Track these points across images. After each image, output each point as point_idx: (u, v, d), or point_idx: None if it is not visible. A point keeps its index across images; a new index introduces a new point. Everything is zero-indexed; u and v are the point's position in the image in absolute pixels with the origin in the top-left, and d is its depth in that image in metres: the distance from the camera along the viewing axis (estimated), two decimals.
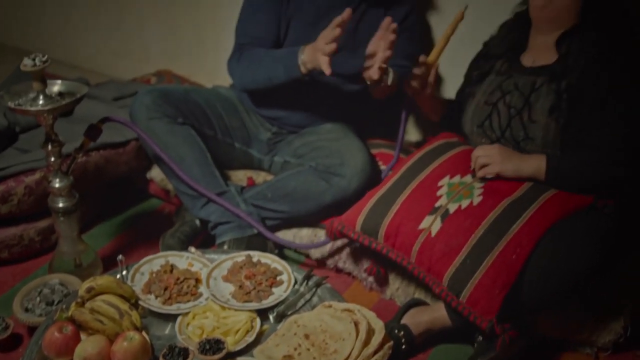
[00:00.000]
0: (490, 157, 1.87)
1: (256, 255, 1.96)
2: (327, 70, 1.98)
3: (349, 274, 2.16)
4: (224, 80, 2.60)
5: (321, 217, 2.20)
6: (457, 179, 1.93)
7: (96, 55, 3.51)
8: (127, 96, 2.65)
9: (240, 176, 2.40)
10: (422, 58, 2.05)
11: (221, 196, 2.19)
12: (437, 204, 1.88)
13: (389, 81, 2.11)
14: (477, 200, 1.85)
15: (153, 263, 1.93)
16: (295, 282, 1.88)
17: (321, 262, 2.20)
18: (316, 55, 2.01)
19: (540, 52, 1.95)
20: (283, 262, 1.94)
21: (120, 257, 1.87)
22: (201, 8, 3.03)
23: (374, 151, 2.35)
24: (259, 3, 2.27)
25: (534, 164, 1.85)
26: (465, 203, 1.85)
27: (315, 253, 2.20)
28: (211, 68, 3.04)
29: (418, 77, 2.07)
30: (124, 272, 1.88)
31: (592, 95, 1.81)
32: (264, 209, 2.22)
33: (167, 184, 2.42)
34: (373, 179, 2.17)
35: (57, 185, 1.95)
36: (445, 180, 1.94)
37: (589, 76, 1.81)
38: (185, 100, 2.27)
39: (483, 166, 1.89)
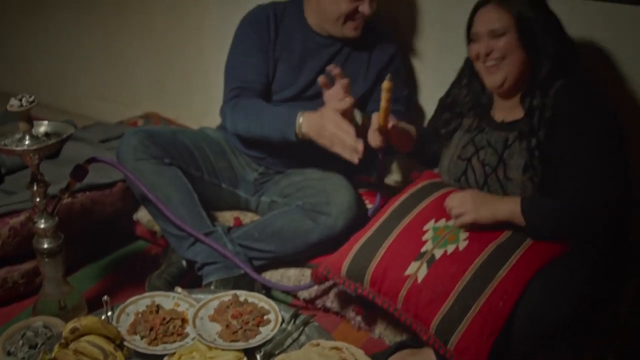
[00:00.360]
0: (463, 206, 1.84)
1: (243, 294, 1.95)
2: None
3: (337, 313, 2.15)
4: (211, 122, 2.62)
5: (308, 257, 2.19)
6: (442, 222, 1.91)
7: (84, 100, 3.54)
8: (113, 138, 2.66)
9: (227, 217, 2.40)
10: (373, 117, 2.03)
11: (208, 236, 2.18)
12: (423, 249, 1.86)
13: (359, 121, 2.13)
14: (462, 245, 1.83)
15: (139, 303, 1.90)
16: (283, 321, 1.86)
17: (309, 302, 2.18)
18: (327, 134, 2.02)
19: (507, 110, 1.95)
20: (270, 301, 1.92)
21: (105, 297, 1.85)
22: (187, 52, 3.08)
23: (361, 190, 2.35)
24: (249, 47, 2.31)
25: (509, 207, 1.81)
26: (451, 248, 1.84)
27: (303, 293, 2.18)
28: (198, 110, 3.07)
29: (376, 137, 2.05)
30: (109, 313, 1.85)
31: (562, 148, 1.80)
32: (251, 249, 2.21)
33: (154, 226, 2.41)
34: (359, 217, 2.17)
35: (42, 226, 1.94)
36: (431, 224, 1.92)
37: (557, 130, 1.81)
38: (172, 141, 2.28)
39: (459, 215, 1.86)
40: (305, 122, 2.08)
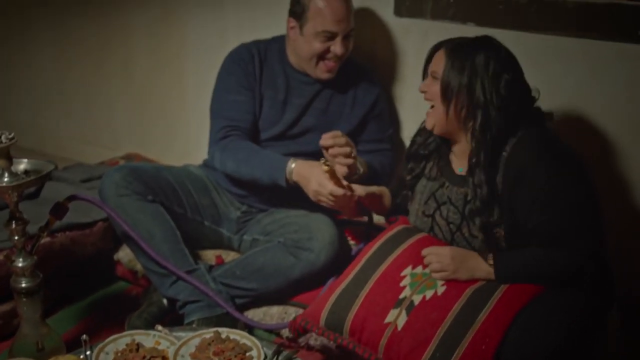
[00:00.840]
0: (442, 263, 1.84)
1: (225, 331, 1.91)
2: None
3: (320, 350, 2.12)
4: (193, 162, 2.62)
5: (291, 294, 2.18)
6: (419, 269, 1.89)
7: (65, 143, 3.53)
8: (95, 178, 2.65)
9: (209, 256, 2.38)
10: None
11: (190, 274, 2.16)
12: (402, 296, 1.84)
13: (361, 169, 2.22)
14: (441, 290, 1.82)
15: (118, 342, 1.86)
16: (265, 358, 1.83)
17: (292, 340, 2.15)
18: (310, 190, 2.06)
19: (464, 157, 1.92)
20: (252, 338, 1.88)
21: (84, 336, 1.81)
22: (169, 93, 3.09)
23: (343, 227, 2.35)
24: (235, 85, 2.33)
25: (486, 267, 1.82)
26: (429, 294, 1.82)
27: (286, 331, 2.15)
28: (180, 151, 3.07)
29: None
30: (88, 352, 1.81)
31: (527, 200, 1.78)
32: (233, 287, 2.19)
33: (135, 265, 2.39)
34: (342, 254, 2.18)
35: (20, 264, 1.90)
36: (408, 270, 1.90)
37: (517, 183, 1.79)
38: (156, 177, 2.27)
39: (438, 271, 1.85)
40: (296, 170, 2.10)
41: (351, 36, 2.27)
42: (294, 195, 2.30)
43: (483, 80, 1.79)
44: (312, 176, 2.05)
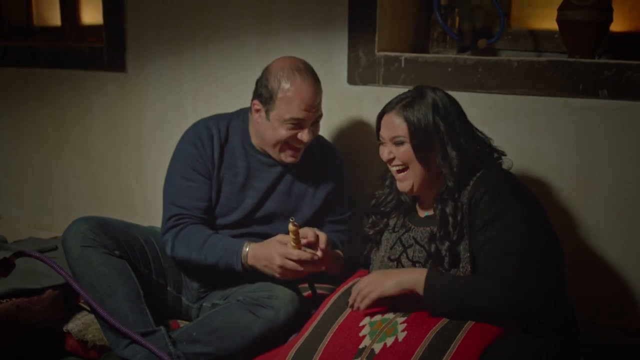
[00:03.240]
0: (368, 286, 1.81)
1: None
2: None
3: None
4: None
5: (250, 356, 2.07)
6: (378, 317, 1.85)
7: (19, 229, 3.44)
8: (47, 250, 2.58)
9: (165, 324, 2.29)
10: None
11: (150, 335, 2.07)
12: (362, 346, 1.79)
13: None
14: (401, 336, 1.77)
15: None
16: None
17: None
18: (275, 267, 2.02)
19: (426, 204, 1.97)
20: None
21: None
22: (126, 169, 3.08)
23: (305, 293, 2.30)
24: (190, 169, 2.22)
25: (414, 276, 1.78)
26: (390, 341, 1.77)
27: None
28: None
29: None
30: None
31: (486, 233, 1.79)
32: (189, 353, 2.08)
33: (86, 335, 2.28)
34: (301, 314, 2.10)
35: None
36: (367, 319, 1.86)
37: (478, 215, 1.81)
38: (125, 233, 2.22)
39: (366, 296, 1.82)
40: (251, 253, 2.07)
41: (319, 121, 2.20)
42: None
43: (441, 116, 1.86)
44: (272, 253, 2.01)
